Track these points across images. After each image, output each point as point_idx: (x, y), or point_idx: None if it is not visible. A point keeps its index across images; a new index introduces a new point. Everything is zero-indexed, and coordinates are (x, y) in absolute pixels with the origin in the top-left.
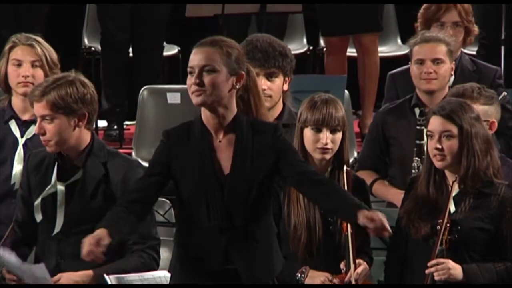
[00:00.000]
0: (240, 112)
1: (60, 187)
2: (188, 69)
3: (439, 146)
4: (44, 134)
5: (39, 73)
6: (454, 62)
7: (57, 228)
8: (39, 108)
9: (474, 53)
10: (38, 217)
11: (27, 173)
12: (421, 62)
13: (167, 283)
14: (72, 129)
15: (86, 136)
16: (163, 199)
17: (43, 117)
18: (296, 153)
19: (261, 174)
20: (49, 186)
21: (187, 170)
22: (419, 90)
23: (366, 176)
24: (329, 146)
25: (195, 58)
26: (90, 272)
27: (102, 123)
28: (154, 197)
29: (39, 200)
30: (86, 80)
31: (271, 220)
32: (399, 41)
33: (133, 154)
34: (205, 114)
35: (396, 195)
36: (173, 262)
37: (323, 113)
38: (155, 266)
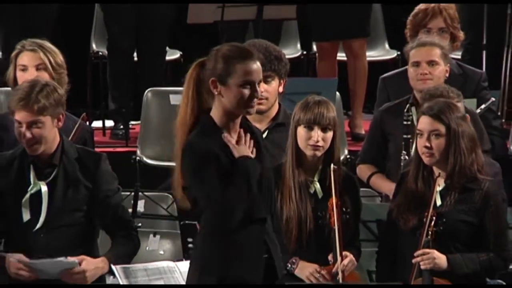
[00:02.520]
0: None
1: (43, 186)
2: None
3: (428, 144)
4: (33, 139)
5: (45, 75)
6: (448, 64)
7: (40, 224)
8: (27, 116)
9: (459, 57)
10: (26, 216)
11: None
12: (417, 64)
13: (170, 272)
14: (54, 130)
15: (57, 135)
16: (167, 194)
17: (31, 123)
18: None
19: None
20: (31, 186)
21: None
22: (416, 91)
23: (366, 169)
24: (320, 143)
25: (256, 72)
26: (105, 259)
27: (109, 123)
28: None
29: (27, 198)
30: (56, 84)
31: None
32: (387, 46)
33: (138, 151)
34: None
35: (391, 188)
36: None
37: (315, 113)
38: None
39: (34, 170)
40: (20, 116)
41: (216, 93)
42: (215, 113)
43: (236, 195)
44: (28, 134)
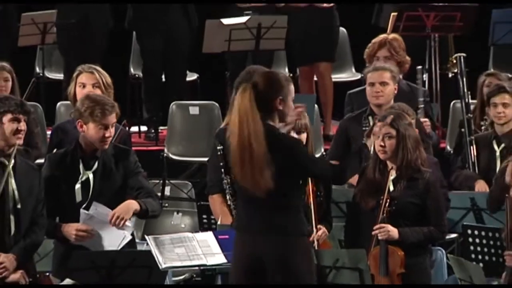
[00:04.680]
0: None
1: (90, 175)
2: None
3: (382, 144)
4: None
5: (98, 92)
6: (397, 84)
7: (86, 203)
8: (113, 118)
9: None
10: (78, 197)
11: (50, 169)
12: (372, 84)
13: (189, 241)
14: None
15: None
16: (186, 182)
17: (112, 124)
18: None
19: None
20: (81, 175)
21: None
22: (371, 104)
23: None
24: None
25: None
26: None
27: (143, 128)
28: None
29: (78, 186)
30: None
31: None
32: (353, 69)
33: (165, 149)
34: None
35: (354, 179)
36: None
37: None
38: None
39: (82, 162)
40: (110, 118)
41: (280, 108)
42: (275, 123)
43: None
44: (112, 132)
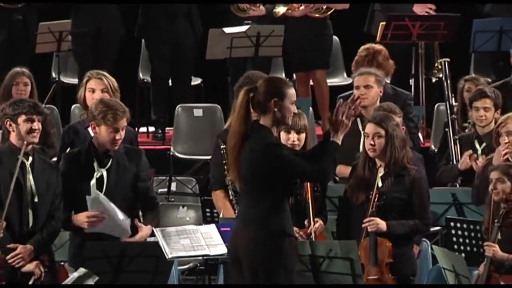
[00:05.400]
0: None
1: (104, 172)
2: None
3: (372, 143)
4: (121, 138)
5: (106, 96)
6: (382, 87)
7: None
8: (124, 122)
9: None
10: (93, 193)
11: (66, 166)
12: (357, 87)
13: (194, 233)
14: None
15: None
16: (191, 178)
17: (123, 128)
18: None
19: None
20: (96, 172)
21: None
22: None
23: None
24: (296, 143)
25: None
26: (150, 227)
27: (151, 129)
28: None
29: (93, 182)
30: None
31: None
32: (345, 75)
33: (171, 148)
34: None
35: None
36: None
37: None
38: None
39: (96, 160)
40: (120, 123)
41: (276, 110)
42: (268, 124)
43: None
44: (122, 135)
